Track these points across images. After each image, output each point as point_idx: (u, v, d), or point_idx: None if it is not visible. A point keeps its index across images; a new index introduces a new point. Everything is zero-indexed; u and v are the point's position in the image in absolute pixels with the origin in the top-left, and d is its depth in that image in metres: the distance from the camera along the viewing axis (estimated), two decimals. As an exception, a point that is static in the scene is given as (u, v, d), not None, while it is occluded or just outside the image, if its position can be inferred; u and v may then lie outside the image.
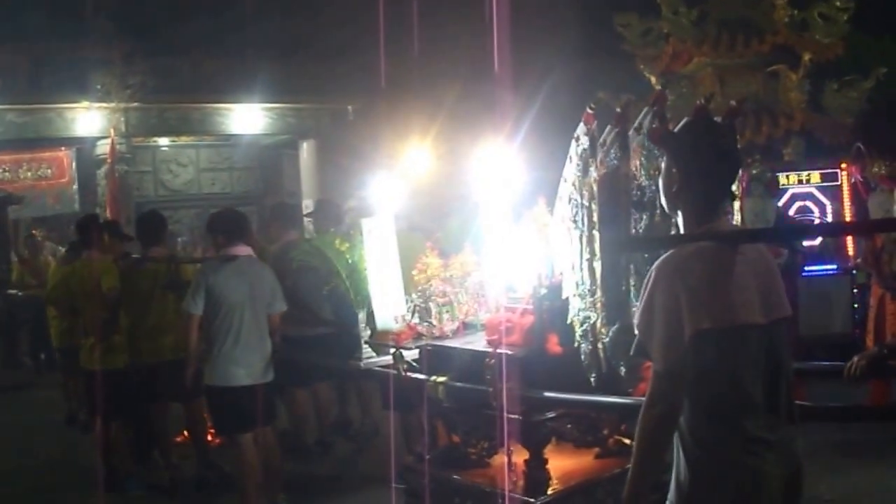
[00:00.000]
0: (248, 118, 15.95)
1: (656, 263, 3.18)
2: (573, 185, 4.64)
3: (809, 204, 10.82)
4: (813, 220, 10.66)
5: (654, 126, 4.15)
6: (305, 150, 16.80)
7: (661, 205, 3.87)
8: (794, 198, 10.83)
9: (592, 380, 4.65)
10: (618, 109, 4.65)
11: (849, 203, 10.68)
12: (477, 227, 5.66)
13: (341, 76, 15.04)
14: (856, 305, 9.66)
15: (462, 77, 11.45)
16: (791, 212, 10.63)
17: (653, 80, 12.29)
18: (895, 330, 7.11)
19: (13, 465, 8.75)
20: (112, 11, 14.83)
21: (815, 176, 10.89)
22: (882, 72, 12.34)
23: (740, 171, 3.90)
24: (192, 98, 15.15)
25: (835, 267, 10.27)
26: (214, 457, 7.94)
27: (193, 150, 17.45)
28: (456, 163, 7.22)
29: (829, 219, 10.69)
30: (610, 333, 4.53)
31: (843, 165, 10.65)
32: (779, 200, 10.14)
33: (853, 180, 10.25)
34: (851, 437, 7.30)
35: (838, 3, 12.21)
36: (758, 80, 12.58)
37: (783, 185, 10.59)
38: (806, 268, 9.95)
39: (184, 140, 16.91)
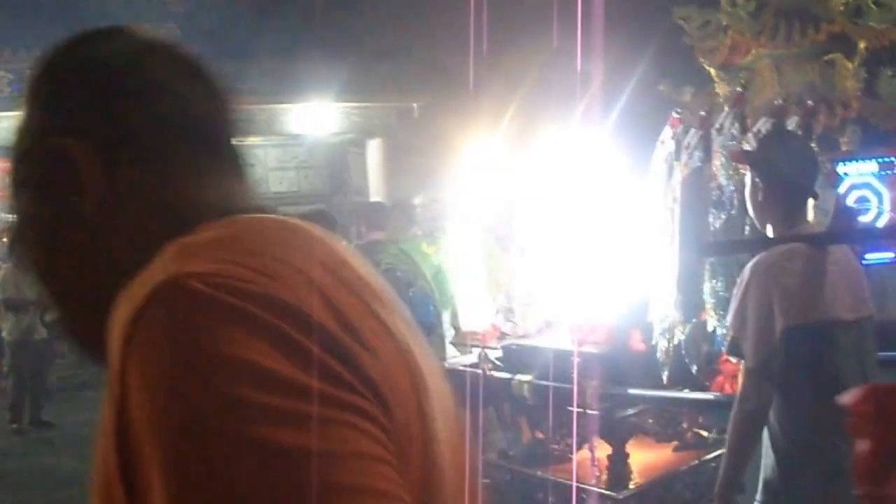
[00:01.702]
0: (314, 117, 16.06)
1: (749, 265, 3.34)
2: (657, 187, 4.77)
3: (867, 193, 10.78)
4: (869, 211, 10.62)
5: (729, 144, 4.32)
6: (372, 148, 16.87)
7: (737, 204, 4.01)
8: (851, 187, 10.79)
9: (665, 377, 4.80)
10: (702, 113, 4.79)
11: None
12: (551, 227, 5.76)
13: (406, 74, 15.05)
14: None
15: (527, 73, 11.48)
16: (849, 201, 10.60)
17: (712, 72, 12.32)
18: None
19: (83, 466, 8.86)
20: (177, 15, 15.04)
21: (873, 165, 10.86)
22: (938, 56, 12.27)
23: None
24: (258, 99, 15.22)
25: (893, 255, 10.24)
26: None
27: (261, 150, 17.52)
28: (525, 161, 7.29)
29: (887, 208, 10.65)
30: (685, 331, 4.66)
31: (902, 153, 10.62)
32: (837, 190, 10.13)
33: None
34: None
35: (893, -11, 12.15)
36: (814, 69, 12.52)
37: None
38: (864, 256, 9.93)
39: (251, 140, 17.02)
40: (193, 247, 0.89)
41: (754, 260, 3.37)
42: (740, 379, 3.46)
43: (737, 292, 3.39)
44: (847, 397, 1.34)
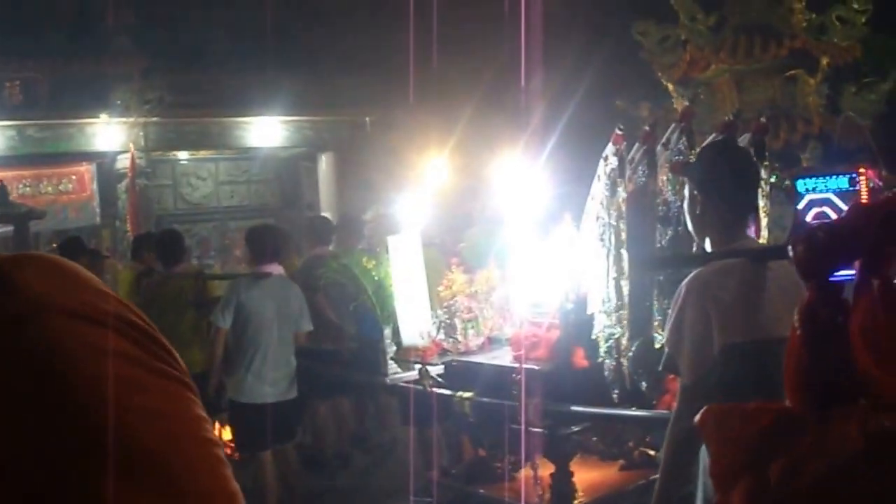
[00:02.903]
0: (266, 131, 15.93)
1: (685, 281, 3.26)
2: (601, 203, 4.68)
3: (827, 209, 10.75)
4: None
5: (675, 159, 4.25)
6: (324, 162, 16.76)
7: (685, 220, 3.93)
8: (811, 203, 10.75)
9: (615, 395, 4.70)
10: (646, 127, 4.71)
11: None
12: (498, 241, 5.70)
13: (359, 88, 14.97)
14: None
15: (480, 88, 11.44)
16: (808, 218, 10.57)
17: (670, 87, 12.26)
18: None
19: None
20: (130, 28, 14.89)
21: (834, 181, 10.82)
22: (901, 73, 12.28)
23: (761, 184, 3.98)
24: (210, 112, 15.10)
25: (853, 273, 10.22)
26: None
27: (212, 164, 17.41)
28: (474, 176, 7.24)
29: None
30: (633, 349, 4.57)
31: (862, 170, 10.58)
32: (796, 206, 10.10)
33: (871, 185, 10.21)
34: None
35: (856, 6, 12.13)
36: (775, 85, 12.49)
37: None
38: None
39: (203, 154, 16.87)
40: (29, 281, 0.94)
41: (691, 276, 3.29)
42: (677, 395, 3.38)
43: (673, 308, 3.31)
44: (696, 417, 1.40)
